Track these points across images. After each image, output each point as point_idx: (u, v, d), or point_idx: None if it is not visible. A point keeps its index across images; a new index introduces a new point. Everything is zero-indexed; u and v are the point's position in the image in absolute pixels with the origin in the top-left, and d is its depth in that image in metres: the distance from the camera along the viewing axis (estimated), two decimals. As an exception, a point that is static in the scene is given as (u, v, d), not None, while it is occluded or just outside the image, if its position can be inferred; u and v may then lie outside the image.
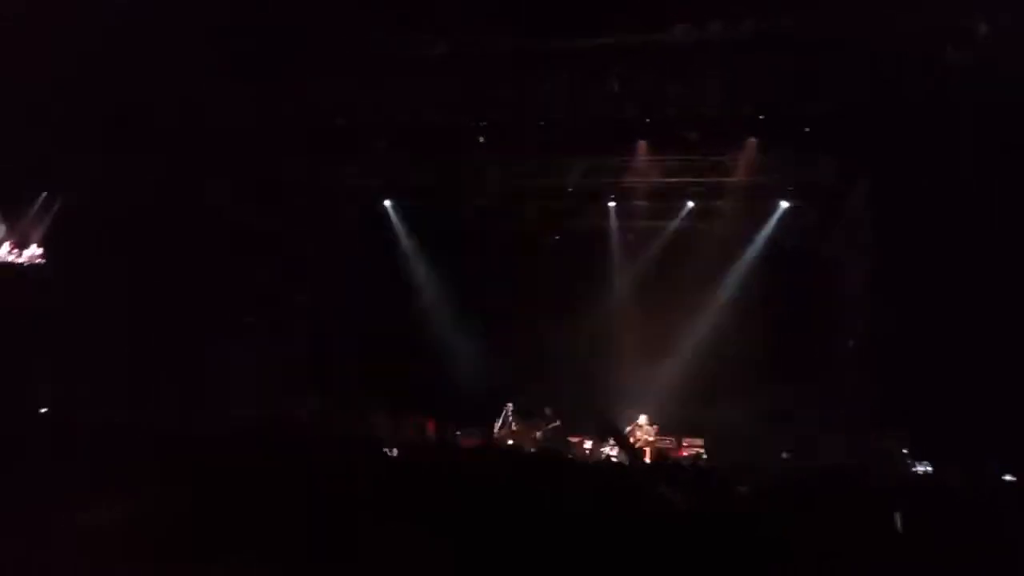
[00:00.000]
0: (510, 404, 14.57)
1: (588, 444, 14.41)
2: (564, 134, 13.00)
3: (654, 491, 5.50)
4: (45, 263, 14.09)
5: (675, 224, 15.34)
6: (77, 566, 4.29)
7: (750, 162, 13.49)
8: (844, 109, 11.27)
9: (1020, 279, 10.43)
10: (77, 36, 11.08)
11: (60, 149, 12.87)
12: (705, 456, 13.60)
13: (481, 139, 13.54)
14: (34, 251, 14.35)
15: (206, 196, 14.17)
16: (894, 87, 10.62)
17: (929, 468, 11.42)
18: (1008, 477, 7.95)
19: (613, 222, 15.61)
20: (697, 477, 6.94)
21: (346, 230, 16.16)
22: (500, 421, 14.53)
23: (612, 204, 15.44)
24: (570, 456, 12.52)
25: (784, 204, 14.64)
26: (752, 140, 13.07)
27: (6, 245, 14.15)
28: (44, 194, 14.37)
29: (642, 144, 13.57)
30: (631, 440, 13.48)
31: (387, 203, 16.16)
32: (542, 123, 12.99)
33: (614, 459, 12.38)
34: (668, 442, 14.28)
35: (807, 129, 12.21)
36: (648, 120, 12.76)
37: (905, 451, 11.98)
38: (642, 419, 14.26)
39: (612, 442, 12.93)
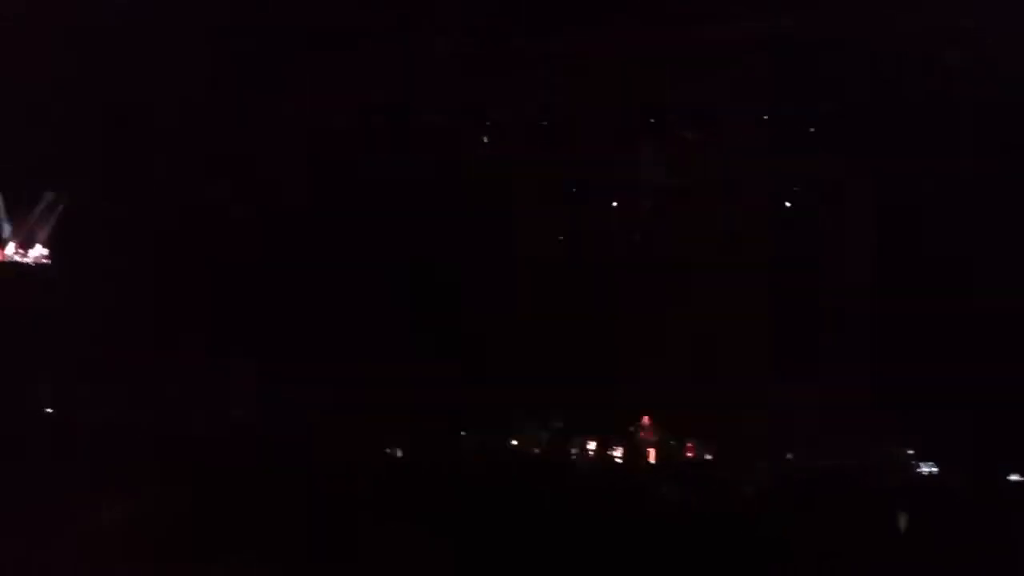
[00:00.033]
0: None
1: (592, 444, 14.35)
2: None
3: (657, 491, 5.50)
4: (51, 263, 14.08)
5: (675, 225, 15.24)
6: (77, 566, 4.31)
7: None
8: (845, 109, 11.22)
9: (1020, 279, 10.39)
10: (79, 36, 11.09)
11: (65, 149, 12.88)
12: (710, 457, 13.53)
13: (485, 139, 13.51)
14: (40, 251, 14.36)
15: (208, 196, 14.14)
16: (894, 87, 10.59)
17: (935, 469, 11.36)
18: (1015, 477, 7.91)
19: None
20: (702, 477, 6.94)
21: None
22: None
23: (615, 204, 15.35)
24: (575, 456, 12.51)
25: (787, 205, 14.55)
26: None
27: (12, 245, 14.16)
28: (50, 194, 14.37)
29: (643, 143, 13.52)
30: (635, 440, 13.44)
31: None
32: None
33: (618, 459, 12.36)
34: (673, 443, 14.21)
35: (810, 129, 12.16)
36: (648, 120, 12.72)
37: (911, 452, 11.92)
38: (645, 420, 14.20)
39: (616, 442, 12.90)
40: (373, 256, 15.87)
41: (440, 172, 14.76)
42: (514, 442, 14.24)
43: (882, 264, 12.86)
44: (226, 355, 14.20)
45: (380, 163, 14.92)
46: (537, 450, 12.99)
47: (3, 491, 4.72)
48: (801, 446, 12.85)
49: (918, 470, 11.40)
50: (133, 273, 13.29)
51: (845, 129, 11.72)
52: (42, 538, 4.39)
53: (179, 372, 13.37)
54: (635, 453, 12.96)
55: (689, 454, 13.95)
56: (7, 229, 14.34)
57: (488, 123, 13.36)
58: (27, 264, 14.15)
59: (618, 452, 13.08)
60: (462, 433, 14.47)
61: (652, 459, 12.99)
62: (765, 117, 12.27)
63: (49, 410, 8.96)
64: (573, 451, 13.99)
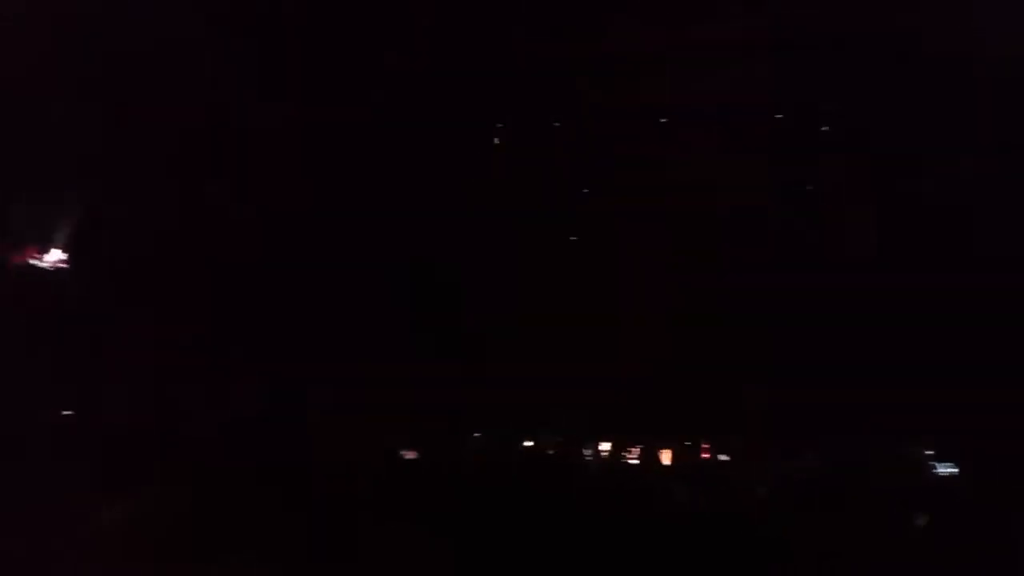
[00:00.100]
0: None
1: (606, 445, 14.30)
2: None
3: (667, 492, 5.45)
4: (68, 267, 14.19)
5: (676, 224, 15.17)
6: (77, 566, 4.31)
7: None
8: (846, 108, 11.16)
9: (1020, 278, 10.28)
10: (97, 39, 11.19)
11: (84, 153, 13.00)
12: (722, 458, 13.42)
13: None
14: (58, 255, 14.48)
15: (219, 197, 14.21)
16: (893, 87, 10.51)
17: (955, 470, 11.22)
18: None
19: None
20: (712, 479, 6.88)
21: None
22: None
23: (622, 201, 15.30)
24: (589, 457, 12.46)
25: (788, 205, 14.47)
26: None
27: (30, 249, 14.29)
28: (68, 198, 14.49)
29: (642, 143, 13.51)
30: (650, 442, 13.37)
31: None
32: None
33: (632, 461, 12.30)
34: (687, 444, 14.12)
35: (813, 129, 12.13)
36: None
37: (929, 452, 11.77)
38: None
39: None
40: (379, 256, 15.94)
41: (444, 171, 14.79)
42: (528, 443, 14.22)
43: (887, 263, 12.77)
44: (227, 355, 14.28)
45: (383, 162, 14.97)
46: (551, 451, 12.96)
47: (3, 491, 4.74)
48: (815, 446, 12.74)
49: (935, 471, 11.26)
50: (146, 275, 13.40)
51: (845, 129, 11.63)
52: (42, 538, 4.39)
53: (181, 372, 13.46)
54: (649, 454, 12.91)
55: (704, 455, 13.88)
56: (25, 233, 14.48)
57: (490, 124, 13.33)
58: (44, 268, 14.29)
59: (633, 453, 13.03)
60: (475, 434, 14.49)
61: (666, 460, 12.93)
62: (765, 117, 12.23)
63: (55, 411, 9.01)
64: (587, 452, 13.96)
